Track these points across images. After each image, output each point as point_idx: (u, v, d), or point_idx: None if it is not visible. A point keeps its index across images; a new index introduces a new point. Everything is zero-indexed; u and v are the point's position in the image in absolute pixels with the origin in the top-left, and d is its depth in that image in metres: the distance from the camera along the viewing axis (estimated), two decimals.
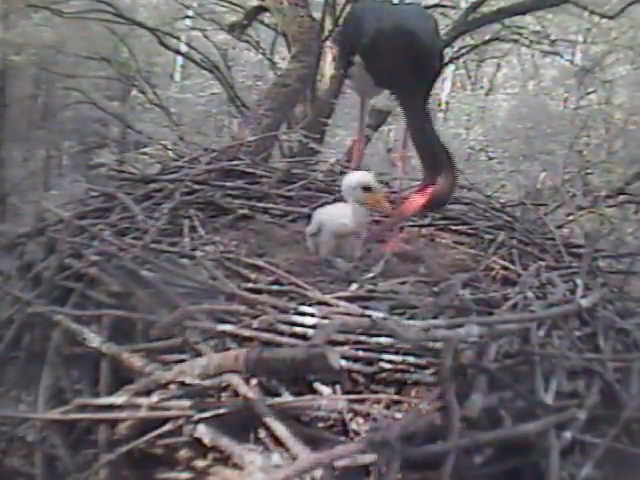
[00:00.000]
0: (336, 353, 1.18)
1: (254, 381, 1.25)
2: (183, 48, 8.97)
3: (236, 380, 1.23)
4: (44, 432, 1.36)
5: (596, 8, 6.55)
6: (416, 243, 2.27)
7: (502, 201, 2.91)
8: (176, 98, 9.20)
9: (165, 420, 1.23)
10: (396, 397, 1.29)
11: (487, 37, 7.70)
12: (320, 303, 1.50)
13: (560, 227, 2.58)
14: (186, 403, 1.23)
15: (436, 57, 1.97)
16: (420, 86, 1.93)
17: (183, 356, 1.36)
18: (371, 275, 1.82)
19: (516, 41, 7.66)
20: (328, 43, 6.15)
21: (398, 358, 1.34)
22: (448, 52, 6.80)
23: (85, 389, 1.44)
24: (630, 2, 5.85)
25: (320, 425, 1.22)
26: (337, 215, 1.95)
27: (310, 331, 1.35)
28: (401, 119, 1.98)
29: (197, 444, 1.21)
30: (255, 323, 1.36)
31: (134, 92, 9.79)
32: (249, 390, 1.21)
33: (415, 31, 1.91)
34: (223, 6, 8.19)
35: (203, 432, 1.20)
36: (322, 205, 2.19)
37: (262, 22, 7.13)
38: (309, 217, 2.06)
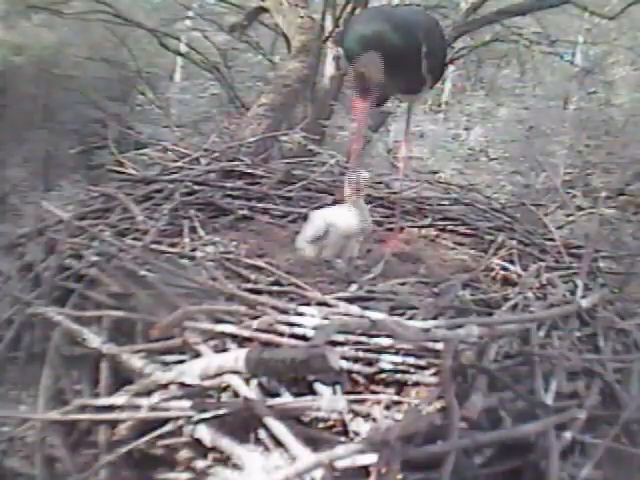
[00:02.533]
0: (336, 354, 1.18)
1: (254, 382, 1.25)
2: (183, 49, 8.97)
3: (236, 381, 1.23)
4: (44, 432, 1.36)
5: (596, 9, 6.56)
6: (416, 243, 2.27)
7: (502, 202, 2.91)
8: (176, 99, 9.19)
9: (165, 421, 1.24)
10: (396, 397, 1.29)
11: (487, 38, 7.70)
12: (320, 304, 1.50)
13: (560, 228, 2.58)
14: (186, 404, 1.24)
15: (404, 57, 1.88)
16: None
17: (183, 357, 1.36)
18: (371, 275, 1.82)
19: (516, 42, 7.65)
20: (328, 43, 6.15)
21: (398, 359, 1.34)
22: (448, 52, 6.79)
23: (85, 389, 1.44)
24: (630, 3, 5.85)
25: (320, 425, 1.22)
26: (344, 216, 1.95)
27: (310, 332, 1.35)
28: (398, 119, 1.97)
29: (197, 445, 1.21)
30: (255, 324, 1.36)
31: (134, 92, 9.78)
32: (249, 391, 1.22)
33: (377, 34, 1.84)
34: (223, 7, 8.19)
35: (203, 433, 1.20)
36: (320, 207, 2.19)
37: (262, 22, 7.13)
38: (305, 219, 2.05)
